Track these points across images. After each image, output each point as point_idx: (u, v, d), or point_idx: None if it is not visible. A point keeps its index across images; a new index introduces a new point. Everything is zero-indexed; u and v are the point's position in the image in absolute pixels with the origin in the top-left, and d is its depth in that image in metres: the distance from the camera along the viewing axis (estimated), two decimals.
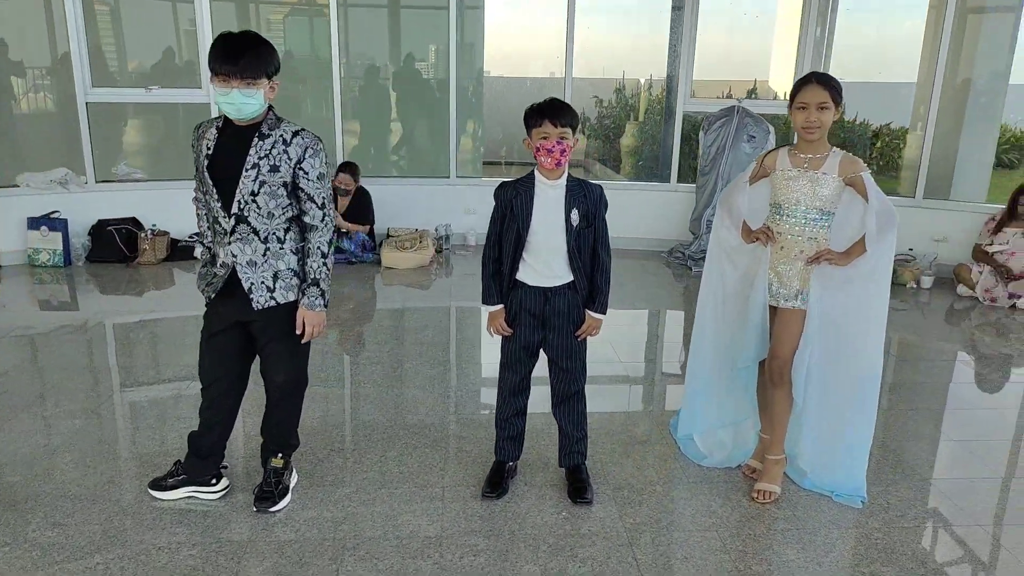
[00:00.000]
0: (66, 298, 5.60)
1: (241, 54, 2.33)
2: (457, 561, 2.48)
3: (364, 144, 7.49)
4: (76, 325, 4.88)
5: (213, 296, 2.56)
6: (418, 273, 6.15)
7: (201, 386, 2.72)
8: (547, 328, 2.74)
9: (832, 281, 2.78)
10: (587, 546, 2.58)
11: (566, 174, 2.66)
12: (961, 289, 5.77)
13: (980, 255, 5.78)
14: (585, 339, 2.81)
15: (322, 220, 2.52)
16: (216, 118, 2.51)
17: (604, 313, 2.77)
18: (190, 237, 6.36)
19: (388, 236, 6.59)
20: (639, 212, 6.88)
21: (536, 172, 2.66)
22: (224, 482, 2.82)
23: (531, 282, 2.69)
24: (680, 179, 7.03)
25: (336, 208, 6.22)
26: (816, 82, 2.63)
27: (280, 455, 2.79)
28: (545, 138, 2.55)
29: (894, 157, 9.40)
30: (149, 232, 6.16)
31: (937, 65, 6.33)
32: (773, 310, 2.85)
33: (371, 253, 6.27)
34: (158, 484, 2.78)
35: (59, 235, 5.89)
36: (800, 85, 2.67)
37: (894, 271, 6.02)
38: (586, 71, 12.40)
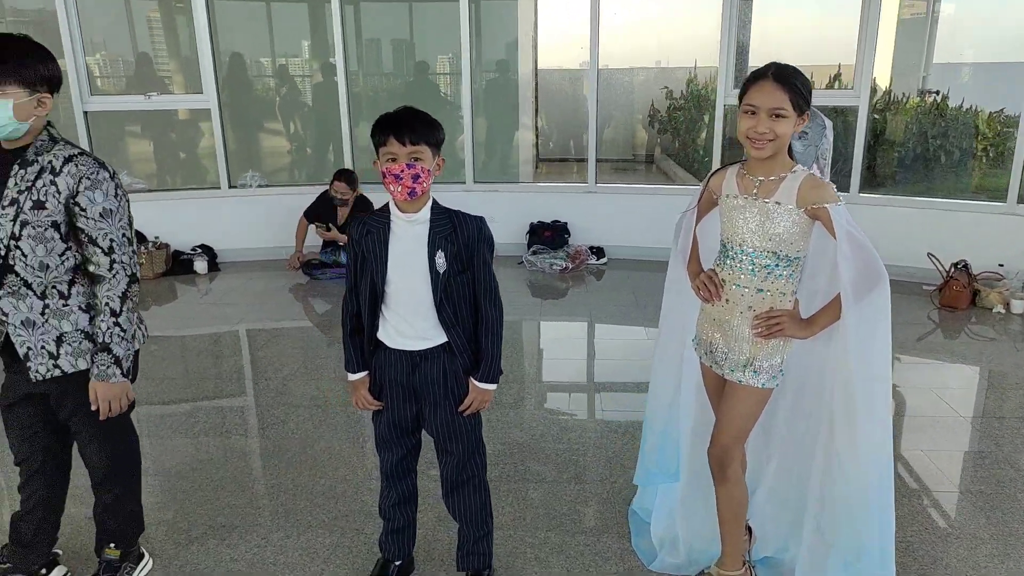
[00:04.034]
0: None
1: None
2: None
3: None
4: None
5: None
6: None
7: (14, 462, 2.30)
8: (421, 401, 2.14)
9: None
10: None
11: (429, 204, 2.04)
12: None
13: None
14: (478, 415, 2.19)
15: (110, 268, 2.01)
16: None
17: (494, 382, 2.13)
18: (192, 250, 6.12)
19: None
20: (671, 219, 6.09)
21: (391, 204, 2.06)
22: (60, 571, 2.38)
23: (393, 344, 2.10)
24: None
25: (335, 219, 5.80)
26: (773, 79, 1.88)
27: (114, 544, 2.33)
28: (392, 160, 1.94)
29: (1010, 148, 8.10)
30: (151, 245, 5.96)
31: None
32: (719, 379, 2.13)
33: None
34: None
35: None
36: (750, 81, 1.92)
37: (977, 292, 5.05)
38: (656, 58, 11.53)
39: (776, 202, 1.92)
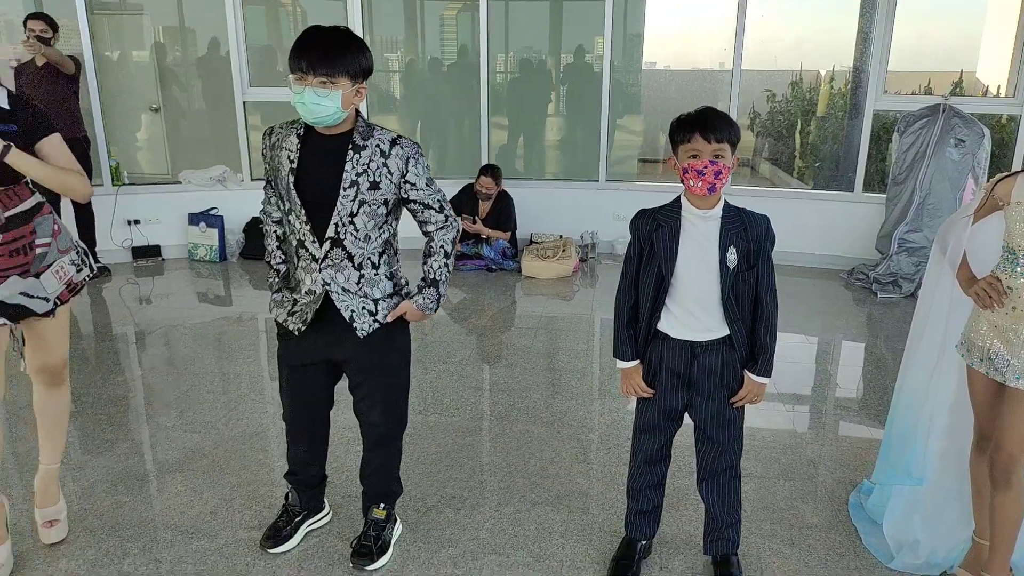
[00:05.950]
0: (220, 292, 5.77)
1: (318, 48, 2.04)
2: None
3: (510, 143, 7.18)
4: (231, 318, 5.16)
5: (303, 327, 2.29)
6: (560, 284, 5.76)
7: (286, 426, 2.50)
8: (694, 390, 2.24)
9: None
10: None
11: (722, 202, 2.14)
12: None
13: None
14: (743, 407, 2.28)
15: (446, 220, 2.27)
16: (293, 123, 2.21)
17: (768, 376, 2.22)
18: None
19: (531, 243, 6.25)
20: (815, 223, 6.07)
21: (683, 199, 2.16)
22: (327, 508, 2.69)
23: (676, 335, 2.20)
24: (867, 188, 6.10)
25: (478, 213, 5.96)
26: None
27: (382, 505, 2.51)
28: (695, 156, 2.04)
29: None
30: None
31: None
32: (999, 386, 2.16)
33: (512, 261, 5.94)
34: (274, 537, 2.53)
35: (215, 231, 6.07)
36: None
37: None
38: (756, 62, 11.41)
39: None
